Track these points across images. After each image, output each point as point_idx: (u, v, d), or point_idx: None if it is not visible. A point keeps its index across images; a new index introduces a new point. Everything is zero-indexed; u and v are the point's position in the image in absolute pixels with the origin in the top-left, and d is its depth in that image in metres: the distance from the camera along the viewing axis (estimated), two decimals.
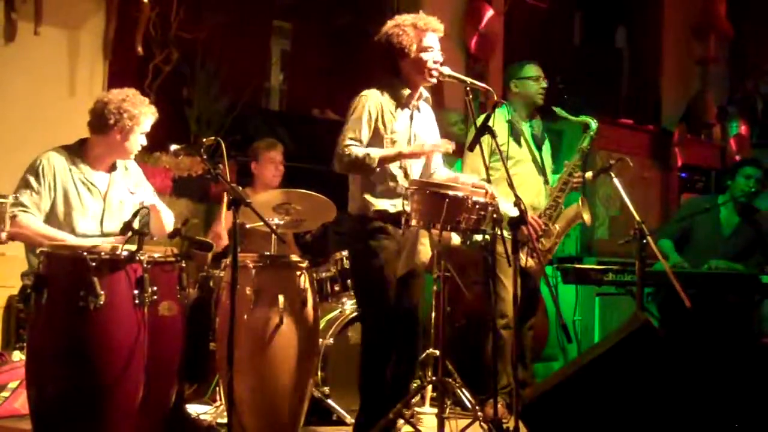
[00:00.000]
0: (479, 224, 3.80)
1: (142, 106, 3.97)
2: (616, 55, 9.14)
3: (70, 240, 3.81)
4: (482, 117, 4.11)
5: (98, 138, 3.99)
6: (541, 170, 4.90)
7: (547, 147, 5.05)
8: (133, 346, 3.45)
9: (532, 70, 4.95)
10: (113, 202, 4.02)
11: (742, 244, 5.72)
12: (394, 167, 4.02)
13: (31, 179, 3.87)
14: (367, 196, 4.01)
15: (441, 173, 4.26)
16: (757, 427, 3.98)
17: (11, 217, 3.75)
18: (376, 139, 4.00)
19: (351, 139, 3.94)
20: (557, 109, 4.90)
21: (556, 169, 5.06)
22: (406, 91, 4.08)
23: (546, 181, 4.91)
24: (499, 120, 4.66)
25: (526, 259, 4.49)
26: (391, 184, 4.02)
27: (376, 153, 3.93)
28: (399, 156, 4.00)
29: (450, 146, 4.01)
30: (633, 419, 3.59)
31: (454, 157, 4.91)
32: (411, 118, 4.12)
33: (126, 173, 4.13)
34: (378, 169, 3.95)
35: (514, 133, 4.75)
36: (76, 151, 4.00)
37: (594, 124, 4.88)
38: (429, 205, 3.78)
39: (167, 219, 4.06)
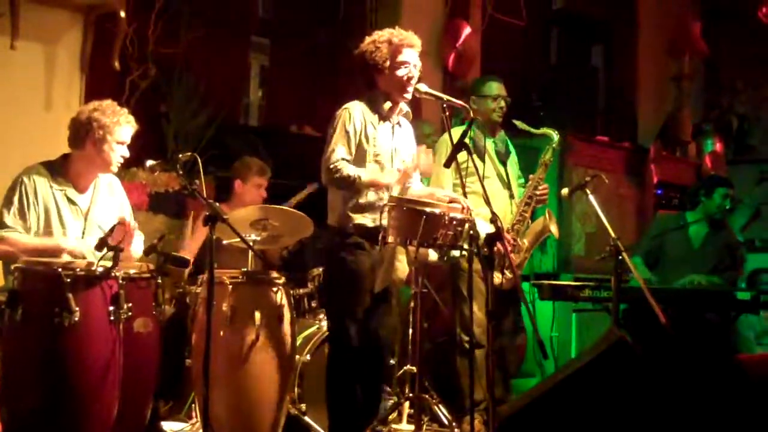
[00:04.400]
0: (456, 240, 3.82)
1: (115, 116, 3.92)
2: (592, 73, 9.21)
3: (62, 244, 3.78)
4: (457, 131, 4.13)
5: (76, 153, 3.97)
6: (507, 185, 4.92)
7: (513, 161, 5.07)
8: (108, 363, 3.43)
9: (492, 88, 4.95)
10: (94, 221, 3.98)
11: (712, 256, 5.79)
12: None
13: (14, 199, 3.83)
14: (347, 209, 4.02)
15: (415, 188, 4.27)
16: None
17: None
18: (360, 153, 4.02)
19: (341, 153, 3.95)
20: (518, 123, 4.92)
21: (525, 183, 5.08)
22: (387, 105, 4.11)
23: (512, 195, 4.92)
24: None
25: (501, 278, 4.50)
26: (371, 197, 4.03)
27: (366, 177, 3.94)
28: (387, 183, 4.01)
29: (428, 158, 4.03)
30: None
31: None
32: (392, 131, 4.14)
33: (110, 191, 4.11)
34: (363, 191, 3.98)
35: (477, 149, 4.75)
36: (58, 168, 3.96)
37: (555, 136, 4.91)
38: (406, 221, 3.79)
39: (137, 246, 4.03)
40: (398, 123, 4.20)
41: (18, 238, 3.79)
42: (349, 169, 3.93)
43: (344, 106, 4.07)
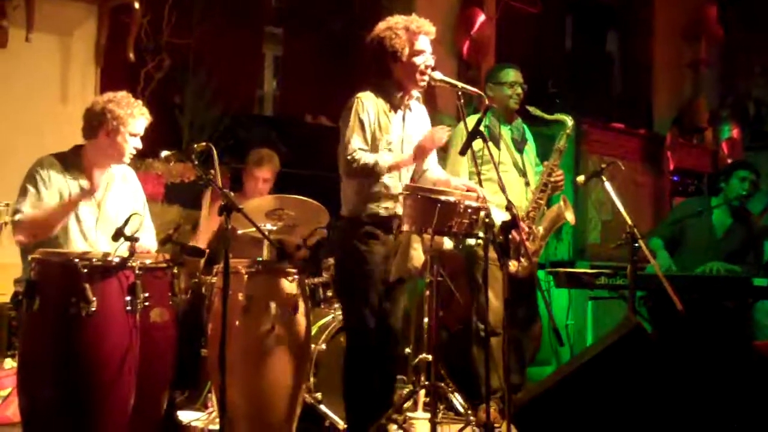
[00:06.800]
0: (471, 228, 3.81)
1: (129, 107, 3.92)
2: (608, 59, 9.16)
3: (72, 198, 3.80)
4: (473, 119, 4.12)
5: (90, 143, 3.98)
6: (522, 172, 4.91)
7: (531, 149, 5.06)
8: (125, 353, 3.45)
9: (509, 75, 4.95)
10: (108, 210, 3.98)
11: (735, 246, 5.74)
12: None
13: (30, 187, 3.83)
14: (361, 199, 4.01)
15: (433, 173, 4.25)
16: (750, 429, 3.99)
17: (14, 224, 3.75)
18: (373, 143, 3.99)
19: (357, 143, 3.93)
20: (531, 108, 4.90)
21: None
22: (399, 94, 4.08)
23: (527, 183, 4.91)
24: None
25: (517, 266, 4.49)
26: (385, 186, 4.02)
27: (385, 161, 3.93)
28: (408, 163, 4.00)
29: (445, 133, 4.00)
30: (625, 422, 3.60)
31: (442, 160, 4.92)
32: (403, 119, 4.12)
33: (124, 182, 4.12)
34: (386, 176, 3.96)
35: (493, 137, 4.74)
36: (71, 158, 3.96)
37: (570, 121, 4.89)
38: (421, 209, 3.78)
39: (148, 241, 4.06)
40: (409, 108, 4.16)
41: (33, 214, 3.77)
42: (367, 158, 3.91)
43: (356, 96, 4.03)
